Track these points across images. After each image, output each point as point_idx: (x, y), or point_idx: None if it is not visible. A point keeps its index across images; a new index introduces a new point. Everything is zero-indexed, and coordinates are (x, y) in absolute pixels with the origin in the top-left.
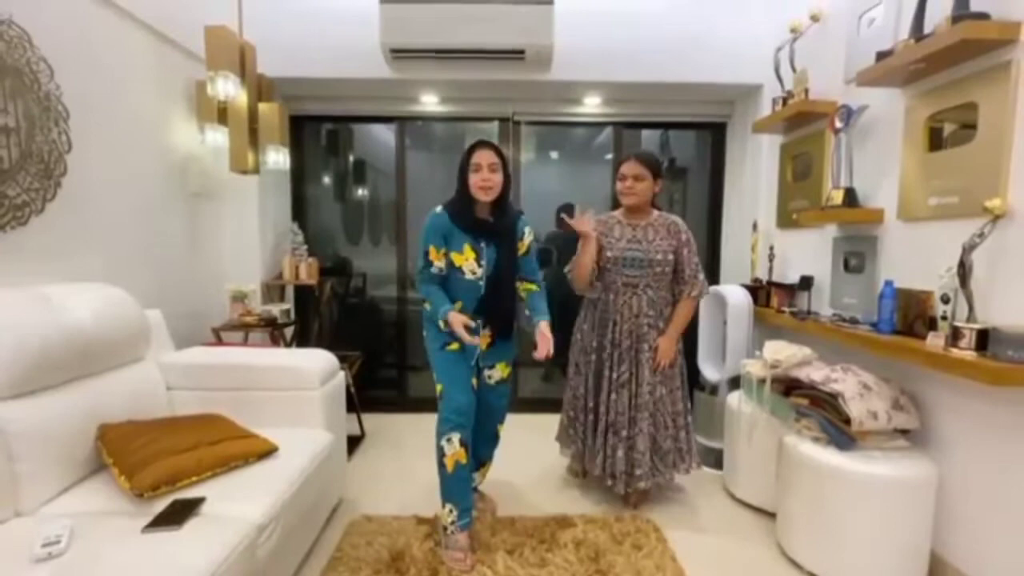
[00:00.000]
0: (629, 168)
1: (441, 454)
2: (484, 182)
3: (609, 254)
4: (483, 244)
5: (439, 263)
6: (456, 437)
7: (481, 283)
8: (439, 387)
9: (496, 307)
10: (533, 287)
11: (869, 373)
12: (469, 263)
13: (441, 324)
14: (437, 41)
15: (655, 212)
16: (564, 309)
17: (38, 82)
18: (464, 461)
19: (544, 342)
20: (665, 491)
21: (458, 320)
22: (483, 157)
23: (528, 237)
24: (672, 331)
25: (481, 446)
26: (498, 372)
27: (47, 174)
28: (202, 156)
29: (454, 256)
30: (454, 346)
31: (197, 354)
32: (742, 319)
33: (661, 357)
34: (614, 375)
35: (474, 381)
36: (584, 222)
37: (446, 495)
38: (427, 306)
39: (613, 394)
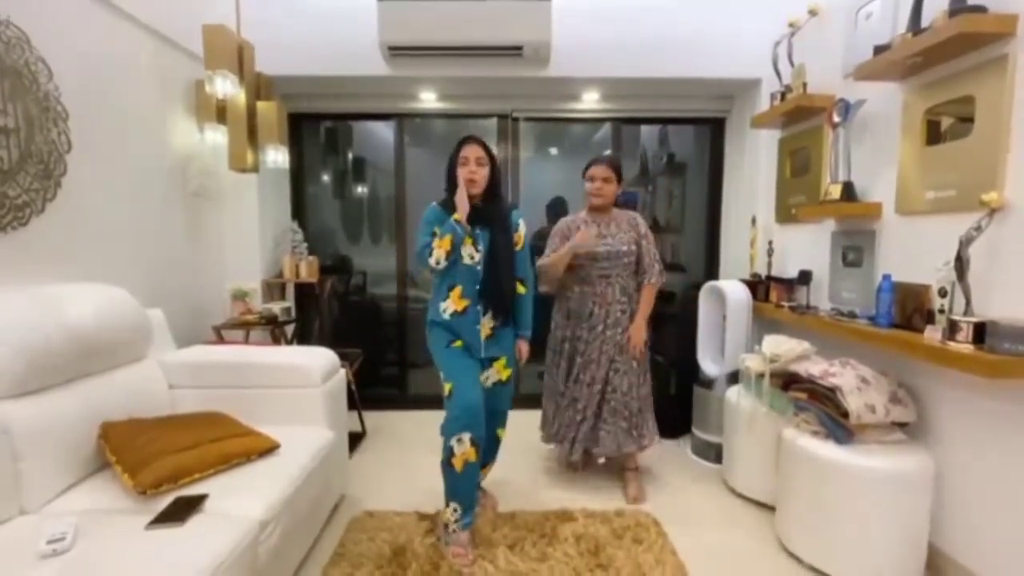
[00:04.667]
0: (599, 171)
1: (450, 454)
2: (471, 175)
3: (581, 251)
4: (477, 230)
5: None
6: (467, 436)
7: (479, 268)
8: (448, 386)
9: (494, 291)
10: (522, 289)
11: (867, 367)
12: (467, 248)
13: (452, 219)
14: (435, 38)
15: (615, 210)
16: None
17: (37, 83)
18: (474, 460)
19: (520, 355)
20: (664, 485)
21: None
22: (470, 151)
23: (522, 229)
24: (639, 318)
25: (483, 448)
26: (495, 374)
27: (47, 174)
28: (201, 155)
29: None
30: (459, 343)
31: (198, 353)
32: (741, 314)
33: (635, 343)
34: (604, 359)
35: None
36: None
37: (452, 494)
38: (433, 254)
39: (589, 377)
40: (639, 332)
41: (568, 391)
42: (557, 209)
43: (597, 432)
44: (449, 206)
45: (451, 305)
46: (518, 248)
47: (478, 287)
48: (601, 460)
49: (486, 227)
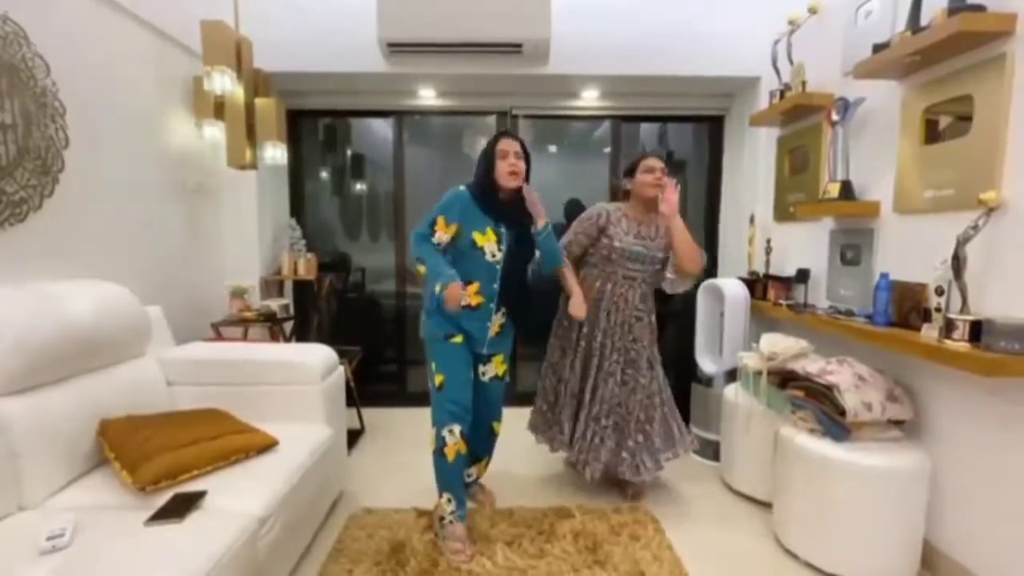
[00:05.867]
0: (657, 162)
1: (442, 444)
2: (512, 167)
3: (617, 244)
4: (503, 229)
5: (442, 235)
6: (457, 429)
7: (498, 267)
8: (439, 377)
9: (514, 291)
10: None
11: (864, 365)
12: (491, 245)
13: (437, 288)
14: (434, 35)
15: (653, 213)
16: (547, 298)
17: (34, 78)
18: (464, 452)
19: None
20: (663, 483)
21: (456, 295)
22: (510, 145)
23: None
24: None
25: (478, 443)
26: (492, 368)
27: (45, 170)
28: (200, 152)
29: (476, 236)
30: (458, 339)
31: (197, 349)
32: (739, 312)
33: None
34: (606, 364)
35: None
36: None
37: (445, 485)
38: (421, 268)
39: (600, 384)
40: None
41: (579, 394)
42: (573, 211)
43: (620, 454)
44: (481, 197)
45: (466, 298)
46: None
47: (496, 285)
48: None
49: (512, 228)
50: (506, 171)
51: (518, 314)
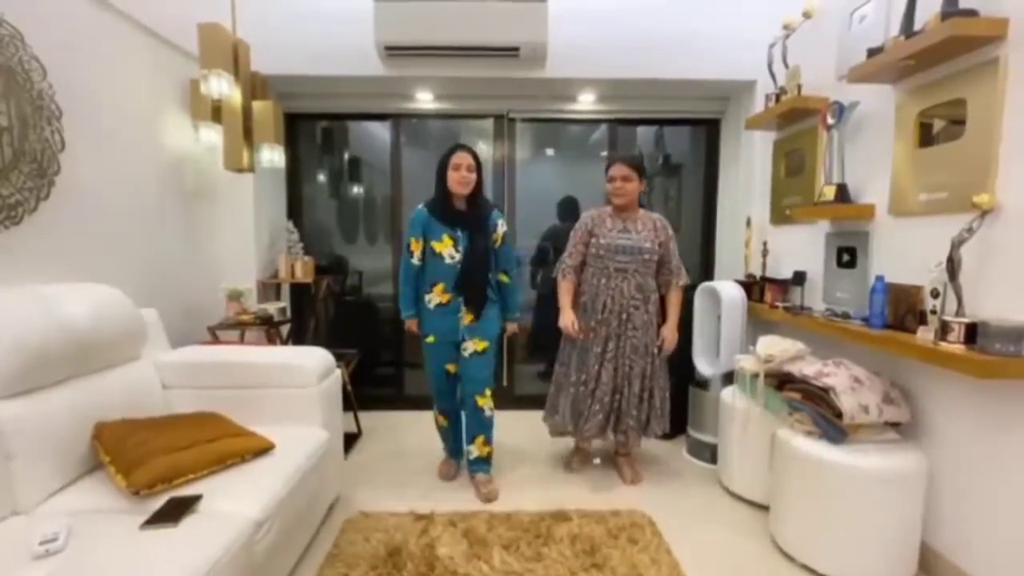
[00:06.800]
0: (617, 171)
1: (435, 415)
2: (463, 179)
3: (602, 241)
4: (459, 232)
5: (417, 252)
6: (436, 409)
7: (458, 267)
8: (427, 370)
9: (471, 286)
10: (505, 278)
11: (861, 367)
12: (448, 249)
13: (403, 316)
14: (431, 38)
15: (641, 210)
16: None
17: (30, 81)
18: (444, 423)
19: (509, 332)
20: (660, 485)
21: (412, 326)
22: (462, 159)
23: (501, 229)
24: (673, 320)
25: (467, 418)
26: (472, 345)
27: (40, 173)
28: (197, 155)
29: (434, 244)
30: (430, 339)
31: (193, 353)
32: (736, 314)
33: (669, 344)
34: (597, 349)
35: (452, 367)
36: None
37: (440, 438)
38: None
39: (601, 368)
40: (673, 334)
41: (582, 383)
42: (568, 208)
43: (608, 427)
44: (435, 209)
45: (435, 298)
46: (497, 245)
47: (456, 282)
48: (596, 460)
49: (466, 229)
50: (457, 181)
51: (475, 303)
